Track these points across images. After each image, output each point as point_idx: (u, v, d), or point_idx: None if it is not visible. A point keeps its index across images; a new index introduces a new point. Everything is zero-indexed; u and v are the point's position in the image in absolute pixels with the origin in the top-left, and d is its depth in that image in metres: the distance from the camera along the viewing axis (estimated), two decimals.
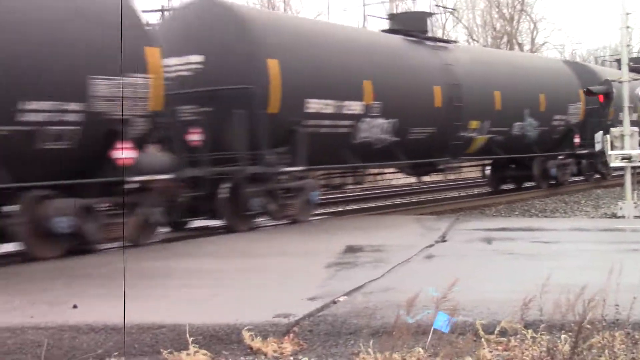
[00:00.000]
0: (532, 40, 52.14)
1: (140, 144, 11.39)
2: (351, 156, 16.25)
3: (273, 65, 14.05)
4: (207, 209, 13.44)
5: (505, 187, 24.71)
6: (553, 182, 23.73)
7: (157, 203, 11.69)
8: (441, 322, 5.20)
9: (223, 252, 11.07)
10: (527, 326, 5.60)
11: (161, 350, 5.66)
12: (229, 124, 13.41)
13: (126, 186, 10.95)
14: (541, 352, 5.19)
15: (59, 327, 6.16)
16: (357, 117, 15.99)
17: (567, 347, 5.14)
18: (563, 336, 5.34)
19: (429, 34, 20.04)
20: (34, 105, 10.08)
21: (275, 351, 5.68)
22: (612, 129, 17.80)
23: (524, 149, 22.34)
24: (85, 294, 7.59)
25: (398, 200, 22.34)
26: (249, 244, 11.96)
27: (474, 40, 40.91)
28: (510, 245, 10.97)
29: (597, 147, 18.52)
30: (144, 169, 11.37)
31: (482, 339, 5.51)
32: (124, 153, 10.87)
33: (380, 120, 16.53)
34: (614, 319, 5.73)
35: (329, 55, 15.57)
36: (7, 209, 10.33)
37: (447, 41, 21.99)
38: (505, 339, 5.62)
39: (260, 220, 14.31)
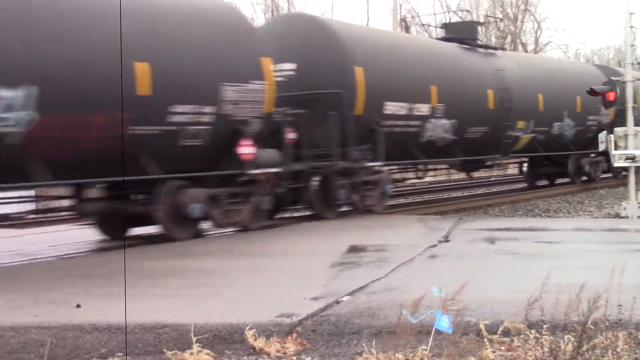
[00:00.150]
0: (536, 40, 52.12)
1: (256, 141, 13.21)
2: (419, 153, 18.19)
3: (359, 72, 15.96)
4: (296, 199, 15.23)
5: (539, 183, 26.44)
6: (585, 178, 25.58)
7: (266, 193, 13.64)
8: (443, 323, 5.19)
9: (218, 251, 11.10)
10: (530, 326, 5.59)
11: (164, 350, 5.67)
12: (320, 124, 15.28)
13: (244, 178, 13.11)
14: (544, 352, 5.19)
15: (62, 327, 6.17)
16: (424, 118, 17.90)
17: (570, 348, 5.14)
18: (566, 336, 5.34)
19: (479, 42, 22.43)
20: (179, 108, 11.98)
21: (278, 351, 5.68)
22: (616, 129, 17.78)
23: (561, 147, 24.33)
24: (90, 294, 7.60)
25: (402, 200, 22.31)
26: (250, 243, 11.97)
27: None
28: (514, 245, 10.96)
29: (601, 147, 18.50)
30: (260, 163, 13.24)
31: (485, 339, 5.51)
32: (246, 149, 13.00)
33: (443, 121, 18.47)
34: (617, 319, 5.72)
35: (403, 62, 17.57)
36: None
37: (495, 48, 24.52)
38: (508, 339, 5.62)
39: (344, 209, 16.15)
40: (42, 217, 17.46)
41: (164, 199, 12.01)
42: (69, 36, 10.63)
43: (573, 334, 5.27)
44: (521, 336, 5.58)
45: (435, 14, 41.58)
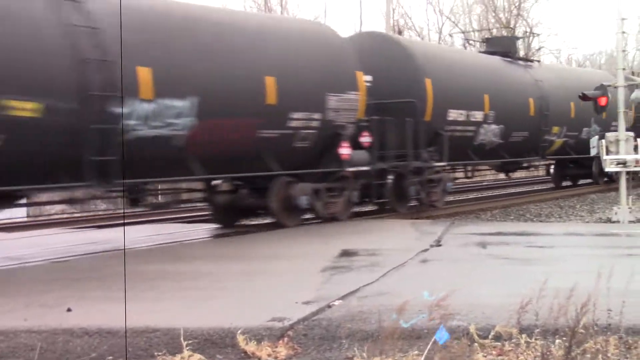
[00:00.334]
0: (529, 45, 52.20)
1: (351, 143, 15.46)
2: (472, 155, 20.67)
3: (428, 83, 18.24)
4: (377, 194, 17.03)
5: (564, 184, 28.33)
6: (607, 179, 26.85)
7: (356, 187, 15.80)
8: (442, 334, 5.17)
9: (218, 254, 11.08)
10: (522, 331, 5.59)
11: (155, 353, 5.65)
12: (394, 128, 17.32)
13: (340, 174, 15.34)
14: (535, 356, 5.20)
15: (53, 331, 6.14)
16: (478, 124, 20.31)
17: (561, 352, 5.14)
18: (557, 341, 5.34)
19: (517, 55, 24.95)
20: (295, 115, 14.23)
21: (269, 355, 5.67)
22: (607, 134, 17.84)
23: (588, 150, 24.80)
24: (82, 297, 7.57)
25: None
26: (246, 247, 11.94)
27: (470, 44, 41.01)
28: (505, 249, 10.97)
29: (593, 152, 18.57)
30: (354, 162, 15.46)
31: (477, 344, 5.51)
32: (345, 150, 15.28)
33: (493, 126, 20.90)
34: (607, 324, 5.73)
35: (462, 74, 19.92)
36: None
37: (532, 60, 27.13)
38: (499, 343, 5.61)
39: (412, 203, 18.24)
40: (34, 221, 17.40)
41: (277, 192, 14.15)
42: (219, 57, 12.99)
43: (564, 338, 5.28)
44: (513, 340, 5.58)
45: (428, 19, 41.79)
